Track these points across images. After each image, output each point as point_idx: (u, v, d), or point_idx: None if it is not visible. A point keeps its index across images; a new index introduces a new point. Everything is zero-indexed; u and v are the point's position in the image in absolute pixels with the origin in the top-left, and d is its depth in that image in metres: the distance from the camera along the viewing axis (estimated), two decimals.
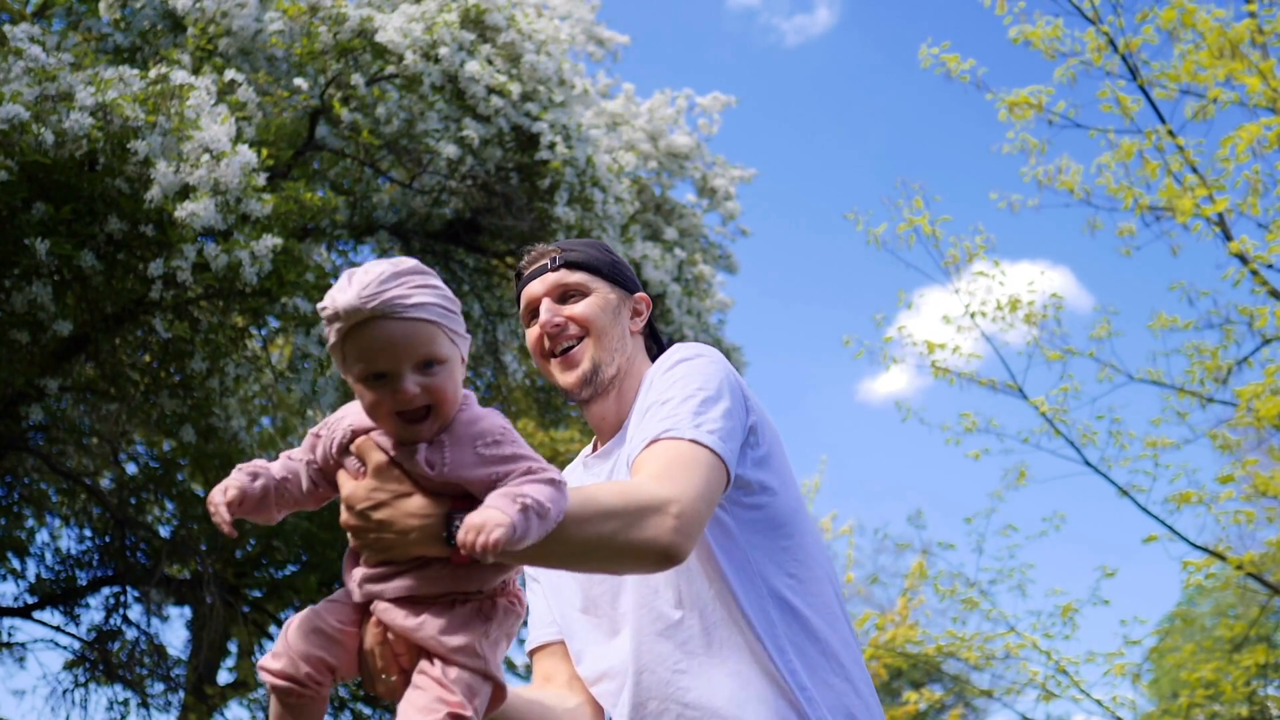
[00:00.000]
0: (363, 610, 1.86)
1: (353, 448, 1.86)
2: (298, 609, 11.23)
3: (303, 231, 8.80)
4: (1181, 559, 9.57)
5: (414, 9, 8.60)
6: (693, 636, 2.06)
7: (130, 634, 11.09)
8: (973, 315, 10.62)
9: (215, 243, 6.83)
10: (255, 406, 10.16)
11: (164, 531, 11.10)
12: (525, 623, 2.14)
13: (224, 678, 13.21)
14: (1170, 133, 9.32)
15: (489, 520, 1.62)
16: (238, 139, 7.03)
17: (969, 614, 11.52)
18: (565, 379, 2.25)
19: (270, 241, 6.69)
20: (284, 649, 1.84)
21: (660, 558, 1.83)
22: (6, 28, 7.01)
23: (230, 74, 7.72)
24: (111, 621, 10.99)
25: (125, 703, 11.13)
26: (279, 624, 11.46)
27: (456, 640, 1.78)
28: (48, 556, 11.17)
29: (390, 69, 8.65)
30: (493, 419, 1.81)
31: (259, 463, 1.95)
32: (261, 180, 6.91)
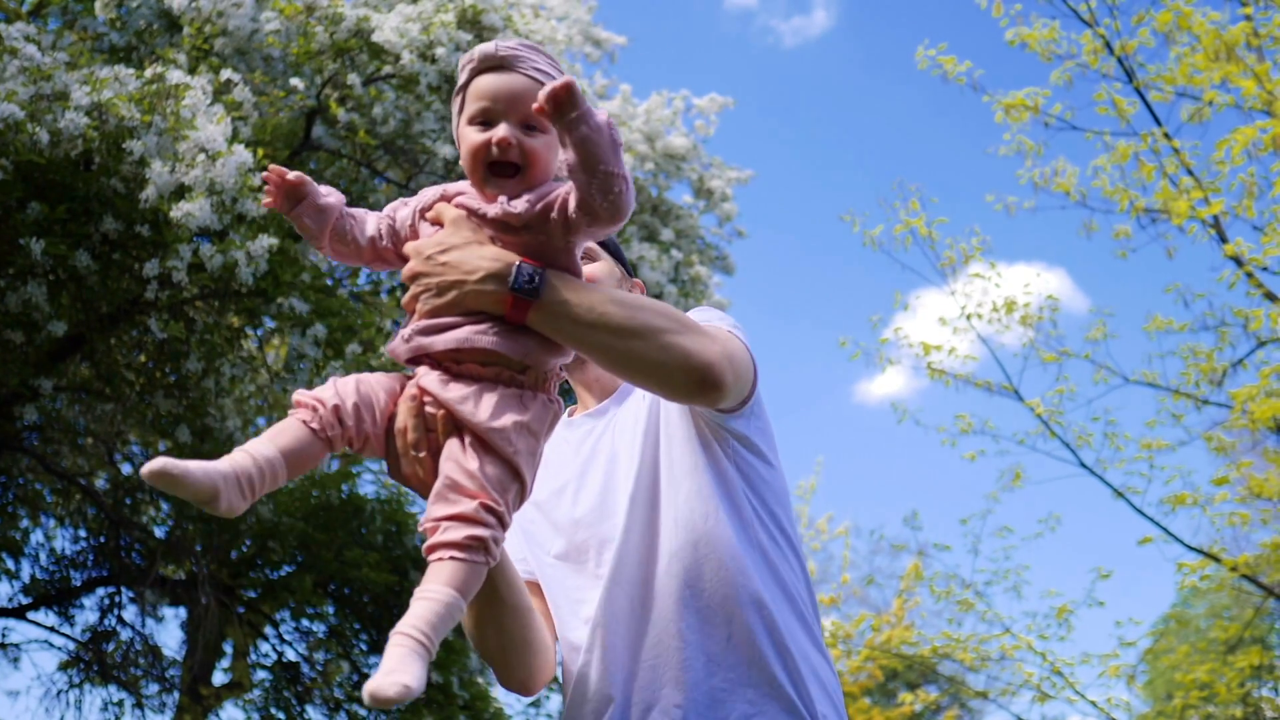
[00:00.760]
0: (403, 386, 1.87)
1: (431, 213, 1.92)
2: (293, 610, 11.26)
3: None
4: (1176, 561, 9.61)
5: (411, 9, 8.59)
6: (684, 593, 2.04)
7: (125, 635, 11.07)
8: (969, 317, 10.64)
9: (211, 243, 6.82)
10: (251, 407, 10.14)
11: (159, 532, 11.07)
12: None
13: (219, 678, 13.18)
14: (1166, 135, 9.34)
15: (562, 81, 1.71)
16: (233, 139, 7.01)
17: (964, 615, 11.55)
18: None
19: (266, 242, 6.69)
20: (326, 388, 1.83)
21: (702, 375, 1.82)
22: (1, 26, 7.00)
23: (226, 74, 7.71)
24: (106, 622, 10.97)
25: (120, 704, 11.11)
26: (274, 625, 11.45)
27: (495, 419, 1.78)
28: (42, 557, 11.15)
29: (387, 69, 8.64)
30: None
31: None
32: (257, 180, 6.90)
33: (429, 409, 1.81)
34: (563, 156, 1.77)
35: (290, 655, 11.38)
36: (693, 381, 1.83)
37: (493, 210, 1.84)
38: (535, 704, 14.89)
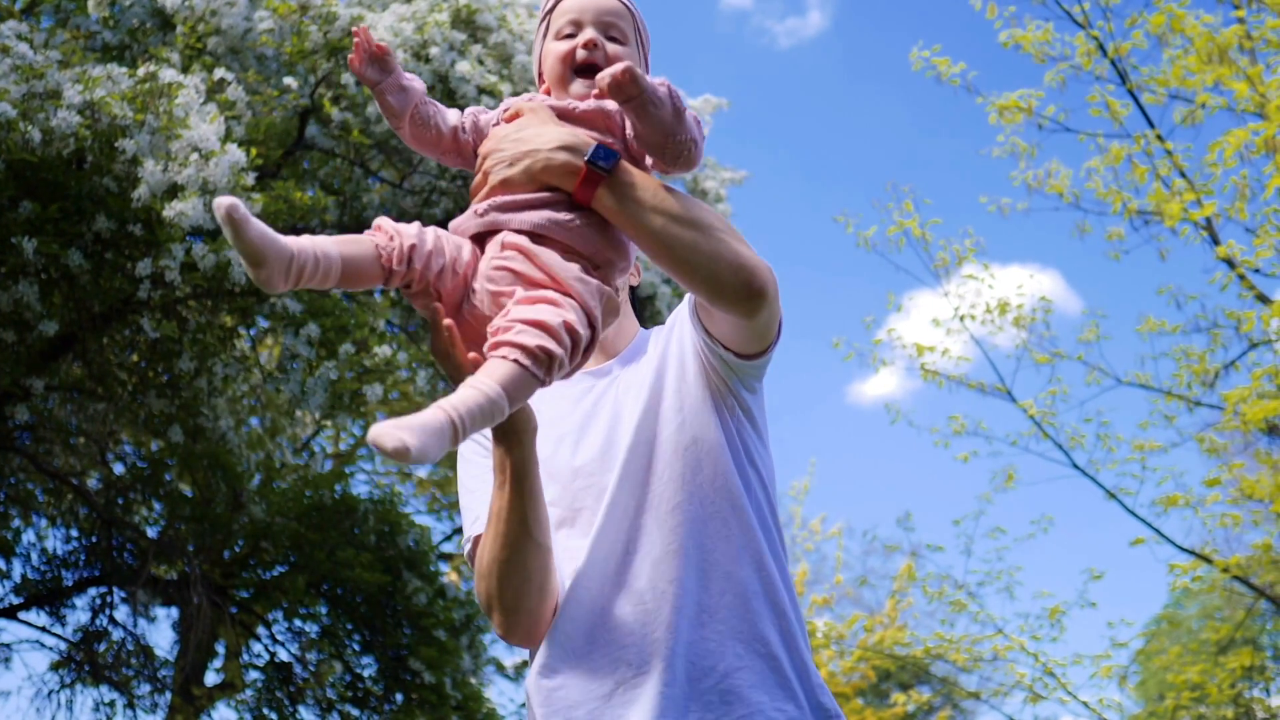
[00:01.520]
0: (475, 258, 1.86)
1: (509, 112, 1.97)
2: (285, 611, 11.24)
3: (292, 231, 8.76)
4: (1168, 562, 9.61)
5: (405, 8, 8.59)
6: (685, 545, 2.01)
7: (117, 635, 11.05)
8: (962, 318, 10.66)
9: (204, 242, 6.80)
10: (244, 407, 10.13)
11: (151, 532, 11.04)
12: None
13: (211, 679, 13.16)
14: (1159, 137, 9.36)
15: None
16: (227, 138, 7.00)
17: (957, 616, 11.57)
18: None
19: None
20: (412, 225, 1.83)
21: (749, 277, 1.85)
22: None
23: (220, 73, 7.70)
24: (98, 622, 10.95)
25: (111, 704, 11.08)
26: (267, 625, 11.43)
27: (573, 269, 1.79)
28: (34, 557, 11.12)
29: None
30: None
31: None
32: (251, 180, 6.89)
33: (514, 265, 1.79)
34: (634, 132, 1.85)
35: (283, 655, 11.36)
36: (741, 282, 1.85)
37: (584, 105, 1.91)
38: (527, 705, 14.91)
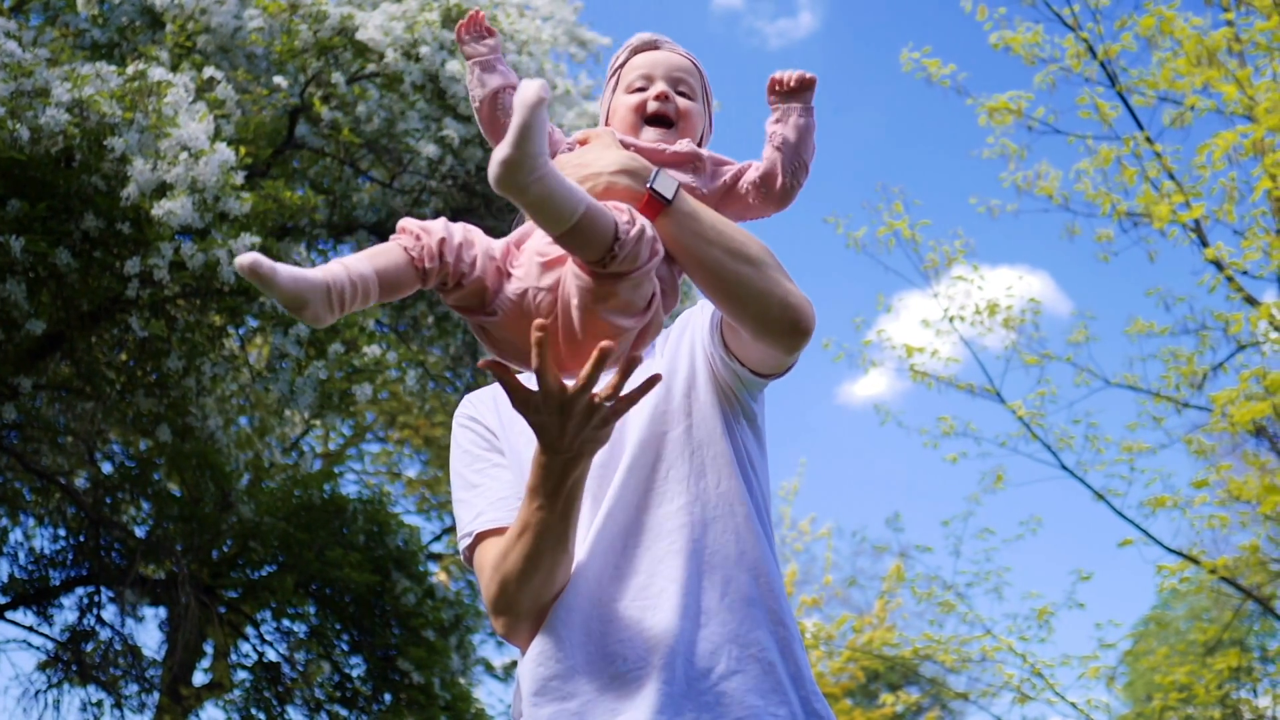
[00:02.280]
0: (505, 251, 1.87)
1: (577, 137, 2.02)
2: (274, 611, 11.22)
3: (282, 230, 8.76)
4: (1156, 563, 9.64)
5: (395, 7, 8.57)
6: (688, 545, 2.01)
7: (104, 634, 11.00)
8: (951, 319, 10.67)
9: (192, 241, 6.78)
10: (232, 406, 10.09)
11: (139, 531, 11.00)
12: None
13: (199, 679, 13.13)
14: (1148, 139, 9.38)
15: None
16: (216, 137, 6.99)
17: (946, 617, 11.57)
18: None
19: (249, 240, 6.66)
20: (435, 221, 1.83)
21: (795, 318, 1.90)
22: None
23: (209, 71, 7.67)
24: (85, 622, 10.90)
25: (99, 704, 11.04)
26: (255, 625, 11.40)
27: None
28: (21, 556, 11.06)
29: (371, 67, 8.62)
30: None
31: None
32: (240, 178, 6.87)
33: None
34: (780, 131, 1.96)
35: (271, 655, 11.33)
36: (788, 321, 1.89)
37: (674, 148, 1.98)
38: None
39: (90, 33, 8.65)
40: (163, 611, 12.00)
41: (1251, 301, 9.21)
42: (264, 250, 6.89)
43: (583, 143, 1.98)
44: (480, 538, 2.09)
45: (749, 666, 1.95)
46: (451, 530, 18.11)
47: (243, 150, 7.11)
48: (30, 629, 10.99)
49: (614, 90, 2.14)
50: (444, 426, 16.24)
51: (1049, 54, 9.83)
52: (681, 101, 2.07)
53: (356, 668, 11.15)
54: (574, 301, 1.75)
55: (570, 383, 1.79)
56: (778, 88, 1.99)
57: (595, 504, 2.06)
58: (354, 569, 10.27)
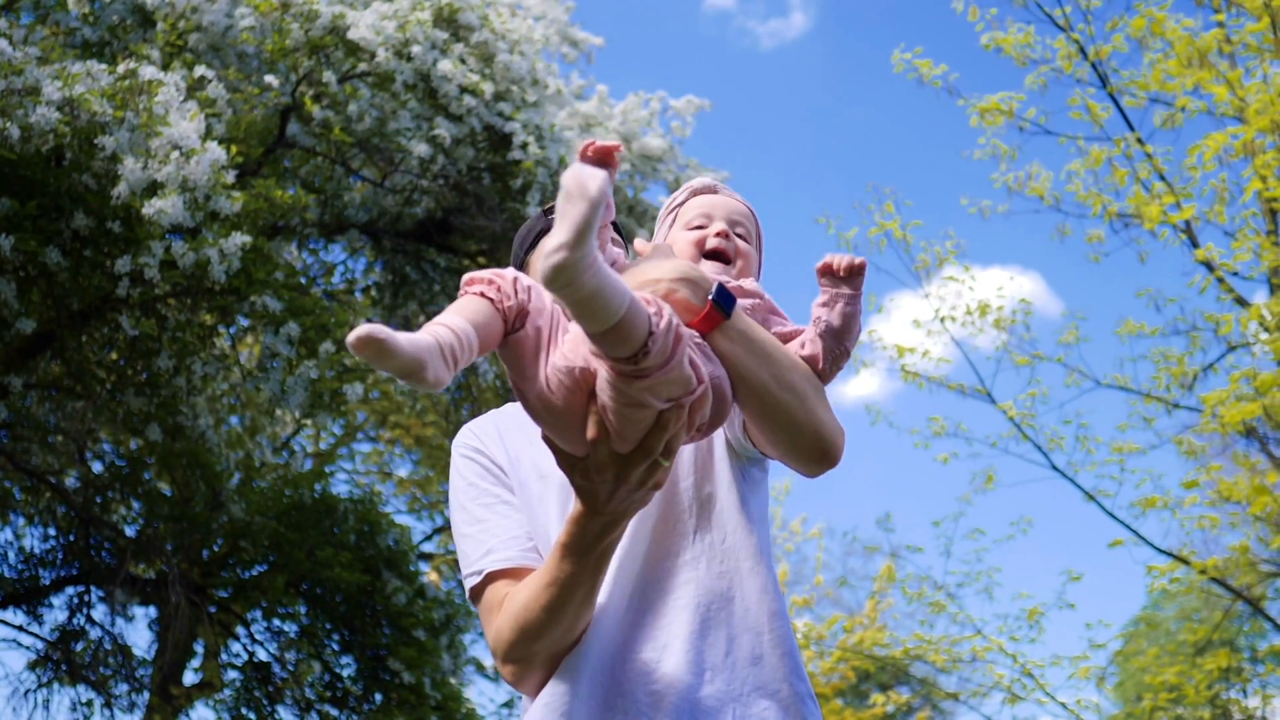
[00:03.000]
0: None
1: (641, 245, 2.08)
2: (264, 610, 11.20)
3: (272, 229, 8.75)
4: (1146, 563, 9.65)
5: (386, 7, 8.56)
6: (698, 599, 2.01)
7: (94, 634, 10.98)
8: (942, 320, 10.68)
9: (183, 240, 6.77)
10: (223, 405, 10.09)
11: (130, 531, 10.99)
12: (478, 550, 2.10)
13: (189, 678, 13.09)
14: (1139, 140, 9.40)
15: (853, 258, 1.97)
16: (207, 136, 6.97)
17: (936, 617, 11.58)
18: None
19: (239, 239, 6.64)
20: (497, 270, 1.79)
21: (824, 451, 1.93)
22: None
23: (200, 70, 7.66)
24: (75, 621, 10.88)
25: (89, 703, 11.02)
26: (246, 624, 11.38)
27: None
28: (11, 555, 11.04)
29: (362, 67, 8.61)
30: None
31: None
32: (231, 177, 6.86)
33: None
34: (825, 316, 1.99)
35: (261, 655, 11.32)
36: (817, 452, 1.94)
37: (744, 283, 2.04)
38: (509, 705, 14.88)
39: (81, 31, 8.63)
40: (153, 611, 11.97)
41: (1242, 302, 9.23)
42: (253, 249, 6.88)
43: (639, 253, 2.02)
44: (491, 577, 2.07)
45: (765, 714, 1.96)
46: (442, 530, 18.09)
47: (234, 149, 7.10)
48: (20, 628, 10.97)
49: (670, 226, 2.20)
50: (435, 426, 16.22)
51: (1040, 55, 9.86)
52: (740, 243, 2.14)
53: (347, 667, 11.14)
54: (611, 395, 1.71)
55: (624, 449, 1.76)
56: (829, 271, 2.01)
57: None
58: (345, 569, 10.26)
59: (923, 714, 19.20)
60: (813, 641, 13.57)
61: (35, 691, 10.89)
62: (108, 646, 11.03)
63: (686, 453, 2.09)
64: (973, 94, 10.19)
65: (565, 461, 1.81)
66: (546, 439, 1.80)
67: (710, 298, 1.85)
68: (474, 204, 9.35)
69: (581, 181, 1.48)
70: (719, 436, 2.13)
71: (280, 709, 11.13)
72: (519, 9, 10.72)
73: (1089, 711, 10.66)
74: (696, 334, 1.84)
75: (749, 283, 2.05)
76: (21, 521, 11.12)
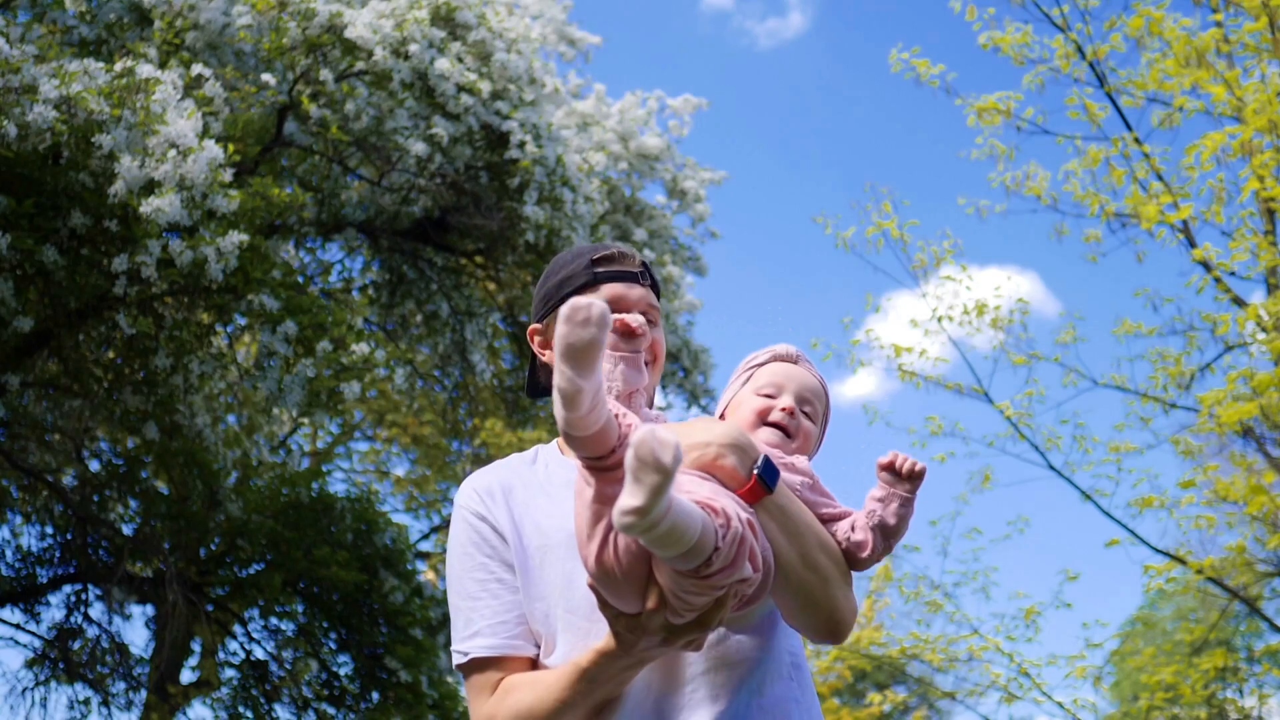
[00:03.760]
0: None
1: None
2: (261, 609, 11.19)
3: (270, 228, 8.74)
4: (1143, 563, 9.66)
5: (384, 5, 8.56)
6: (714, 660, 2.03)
7: (92, 632, 10.98)
8: (940, 319, 10.68)
9: (180, 239, 6.77)
10: (220, 404, 10.07)
11: (127, 529, 10.99)
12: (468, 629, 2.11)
13: (187, 677, 13.09)
14: (1136, 140, 9.40)
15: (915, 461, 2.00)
16: (204, 134, 6.97)
17: (933, 616, 11.58)
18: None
19: (236, 238, 6.64)
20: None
21: (834, 630, 1.99)
22: None
23: (197, 68, 7.65)
24: (73, 620, 10.88)
25: (86, 702, 11.02)
26: (243, 623, 11.38)
27: None
28: (8, 554, 11.04)
29: (359, 65, 8.60)
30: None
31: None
32: (228, 176, 6.85)
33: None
34: (880, 512, 2.03)
35: (259, 654, 11.32)
36: (827, 631, 1.99)
37: (789, 458, 2.07)
38: None
39: (78, 29, 8.62)
40: (150, 609, 11.97)
41: (1239, 302, 9.23)
42: (250, 248, 6.87)
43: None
44: (477, 664, 2.09)
45: None
46: (440, 530, 18.09)
47: (231, 148, 7.10)
48: (18, 626, 10.97)
49: (743, 384, 2.22)
50: (432, 425, 16.22)
51: (1038, 54, 9.85)
52: (805, 423, 2.15)
53: (344, 666, 11.14)
54: (673, 583, 1.75)
55: (680, 621, 1.80)
56: (891, 468, 2.05)
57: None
58: (342, 567, 10.26)
59: (919, 713, 19.22)
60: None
61: (33, 689, 10.89)
62: (105, 645, 11.03)
63: None
64: (970, 93, 10.20)
65: (611, 613, 1.84)
66: (593, 588, 1.83)
67: (756, 471, 1.88)
68: (471, 203, 9.34)
69: (656, 454, 1.53)
70: None
71: (277, 707, 11.13)
72: (516, 7, 10.73)
73: (1085, 711, 10.66)
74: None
75: (800, 460, 2.08)
76: (19, 520, 11.12)
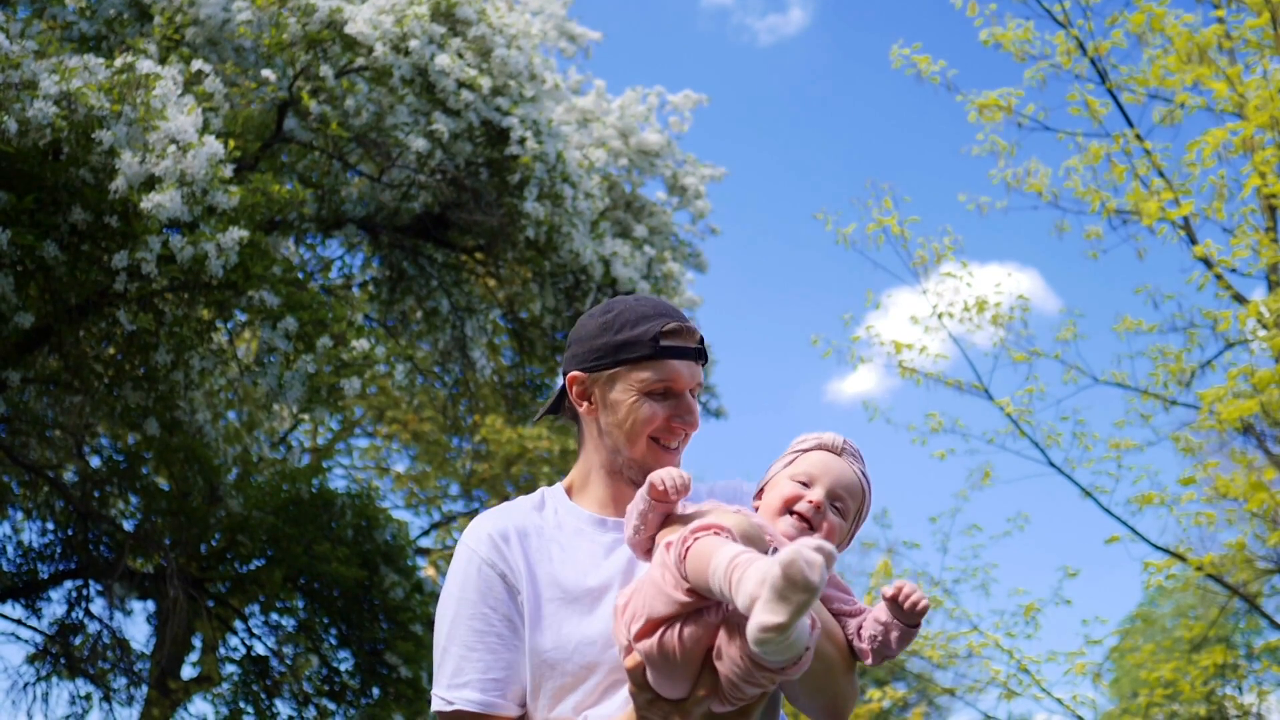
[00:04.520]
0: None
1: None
2: (262, 604, 11.20)
3: (270, 224, 8.74)
4: (1143, 560, 9.66)
5: (384, 1, 8.55)
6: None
7: (93, 628, 11.00)
8: (940, 316, 10.67)
9: (181, 234, 6.77)
10: (221, 400, 10.08)
11: (128, 525, 11.00)
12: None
13: (187, 672, 13.11)
14: (1138, 136, 9.39)
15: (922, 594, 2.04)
16: (204, 130, 6.96)
17: (933, 613, 11.58)
18: (664, 463, 2.22)
19: (237, 234, 6.64)
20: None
21: (838, 713, 2.11)
22: None
23: (197, 64, 7.65)
24: (74, 615, 10.90)
25: (87, 697, 11.04)
26: (243, 619, 11.40)
27: None
28: (9, 549, 11.05)
29: (360, 61, 8.60)
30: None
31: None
32: (228, 172, 6.85)
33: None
34: (881, 638, 2.08)
35: (259, 649, 11.33)
36: (829, 714, 2.11)
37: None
38: None
39: (78, 25, 8.62)
40: (151, 605, 11.98)
41: (1240, 299, 9.23)
42: (250, 244, 6.87)
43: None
44: (460, 716, 2.13)
45: None
46: (439, 525, 18.10)
47: (231, 143, 7.09)
48: (19, 622, 10.98)
49: (785, 466, 2.20)
50: (433, 422, 16.22)
51: (1039, 50, 9.84)
52: (832, 517, 2.13)
53: (344, 662, 11.15)
54: (740, 675, 1.80)
55: (721, 710, 1.87)
56: (896, 599, 2.07)
57: (597, 690, 2.08)
58: (342, 563, 10.26)
59: (919, 710, 19.21)
60: None
61: (34, 685, 10.91)
62: (106, 640, 11.05)
63: None
64: (971, 90, 10.17)
65: (646, 696, 1.89)
66: (631, 670, 1.88)
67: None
68: (471, 199, 9.34)
69: (805, 575, 1.58)
70: None
71: (278, 703, 11.14)
72: (516, 3, 10.72)
73: (1085, 707, 10.67)
74: None
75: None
76: (20, 516, 11.13)
